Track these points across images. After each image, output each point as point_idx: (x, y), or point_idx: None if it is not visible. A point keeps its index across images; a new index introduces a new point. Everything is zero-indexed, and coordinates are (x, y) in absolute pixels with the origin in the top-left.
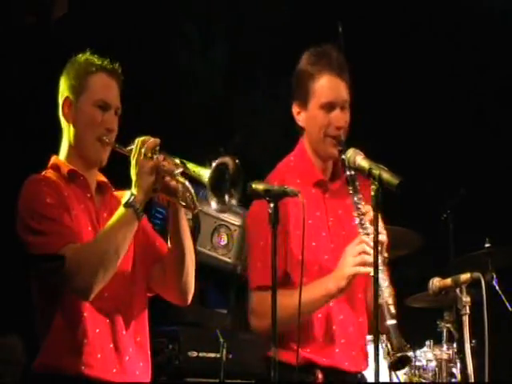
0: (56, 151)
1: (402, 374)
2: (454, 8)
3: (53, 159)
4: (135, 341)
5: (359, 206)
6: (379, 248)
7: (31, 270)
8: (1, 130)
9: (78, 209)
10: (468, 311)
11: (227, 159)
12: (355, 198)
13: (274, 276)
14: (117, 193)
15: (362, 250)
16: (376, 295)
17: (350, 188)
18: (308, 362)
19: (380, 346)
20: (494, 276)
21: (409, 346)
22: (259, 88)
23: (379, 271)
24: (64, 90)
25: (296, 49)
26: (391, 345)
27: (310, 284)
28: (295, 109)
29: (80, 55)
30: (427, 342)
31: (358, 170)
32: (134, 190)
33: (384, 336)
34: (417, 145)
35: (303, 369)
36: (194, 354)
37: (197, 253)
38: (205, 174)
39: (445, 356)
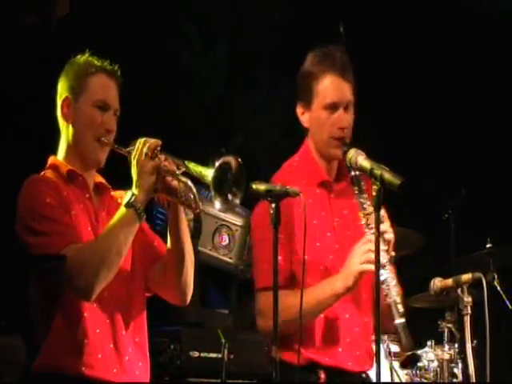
0: (54, 151)
1: (403, 374)
2: (453, 8)
3: (51, 159)
4: (134, 341)
5: (365, 205)
6: (386, 247)
7: (31, 270)
8: (1, 131)
9: (78, 209)
10: (469, 311)
11: (230, 159)
12: (361, 198)
13: (275, 276)
14: (114, 193)
15: (369, 249)
16: (378, 294)
17: (356, 188)
18: (311, 362)
19: (381, 347)
20: (496, 276)
21: (418, 344)
22: (260, 88)
23: (386, 270)
24: (63, 90)
25: (296, 48)
26: (400, 344)
27: (317, 284)
28: (299, 109)
29: (79, 56)
30: (428, 342)
31: (360, 170)
32: (134, 189)
33: (385, 336)
34: (418, 145)
35: (306, 369)
36: (196, 354)
37: (198, 253)
38: (208, 173)
39: (446, 356)
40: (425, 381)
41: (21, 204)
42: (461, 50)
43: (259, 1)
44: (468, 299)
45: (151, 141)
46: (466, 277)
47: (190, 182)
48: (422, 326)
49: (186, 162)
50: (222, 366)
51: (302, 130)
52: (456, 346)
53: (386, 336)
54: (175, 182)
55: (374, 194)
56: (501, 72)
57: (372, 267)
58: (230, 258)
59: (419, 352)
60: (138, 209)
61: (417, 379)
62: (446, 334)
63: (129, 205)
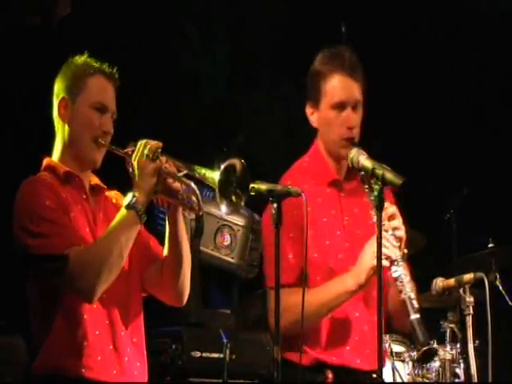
0: (48, 152)
1: (405, 375)
2: (454, 8)
3: (46, 161)
4: (132, 341)
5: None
6: (399, 244)
7: (30, 271)
8: (1, 131)
9: (76, 210)
10: (471, 311)
11: (235, 161)
12: (371, 197)
13: (276, 276)
14: (109, 193)
15: (383, 245)
16: (380, 294)
17: (366, 186)
18: (318, 361)
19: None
20: (498, 276)
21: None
22: (260, 88)
23: (400, 266)
24: (60, 90)
25: (297, 49)
26: (417, 339)
27: (329, 282)
28: (308, 109)
29: (77, 57)
30: (430, 342)
31: (362, 170)
32: (135, 191)
33: (387, 336)
34: (419, 145)
35: (313, 369)
36: (198, 354)
37: (199, 253)
38: (213, 176)
39: (448, 356)
40: (427, 381)
41: (19, 206)
42: (461, 50)
43: (259, 1)
44: (470, 299)
45: (152, 142)
46: (468, 277)
47: (193, 184)
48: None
49: (189, 164)
50: (224, 366)
51: (303, 130)
52: (458, 345)
53: (387, 336)
54: (176, 184)
55: (375, 193)
56: (501, 72)
57: (385, 262)
58: (232, 258)
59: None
60: (139, 210)
61: (419, 379)
62: (448, 334)
63: (129, 206)
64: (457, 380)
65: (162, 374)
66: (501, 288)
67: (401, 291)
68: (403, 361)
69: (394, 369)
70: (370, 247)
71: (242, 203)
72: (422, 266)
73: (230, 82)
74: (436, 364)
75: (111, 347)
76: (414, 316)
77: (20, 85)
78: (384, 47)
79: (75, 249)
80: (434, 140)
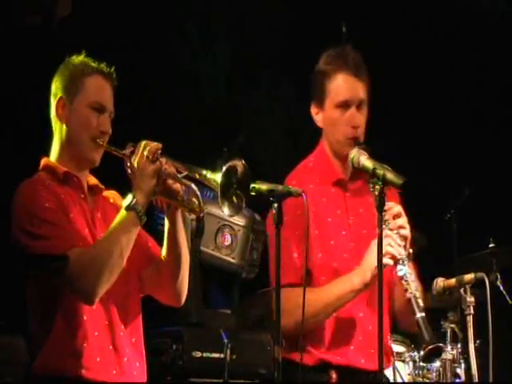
0: (46, 152)
1: (406, 375)
2: (453, 8)
3: (44, 161)
4: (131, 341)
5: None
6: (404, 243)
7: (30, 271)
8: (1, 131)
9: (75, 211)
10: (472, 311)
11: (237, 163)
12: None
13: (277, 277)
14: (106, 193)
15: (387, 243)
16: (380, 294)
17: (371, 186)
18: (322, 361)
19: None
20: (498, 276)
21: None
22: (261, 88)
23: (405, 265)
24: (58, 90)
25: (297, 49)
26: (422, 337)
27: (334, 281)
28: (313, 109)
29: (74, 56)
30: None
31: (362, 170)
32: (135, 192)
33: (388, 336)
34: (419, 145)
35: (317, 369)
36: (198, 354)
37: (200, 253)
38: (214, 177)
39: (449, 356)
40: (427, 381)
41: (18, 208)
42: (461, 50)
43: (259, 1)
44: (471, 299)
45: (152, 144)
46: (469, 277)
47: (193, 186)
48: None
49: (189, 166)
50: (225, 366)
51: (303, 130)
52: (459, 346)
53: (388, 336)
54: (176, 185)
55: (376, 193)
56: (501, 72)
57: (390, 262)
58: (233, 258)
59: (421, 353)
60: (139, 212)
61: (419, 379)
62: (448, 334)
63: (129, 208)
64: (458, 380)
65: (162, 374)
66: (502, 288)
67: (406, 290)
68: (404, 361)
69: (394, 369)
70: (376, 246)
71: (243, 204)
72: (422, 266)
73: (230, 82)
74: (437, 364)
75: (111, 347)
76: (420, 315)
77: (20, 85)
78: (384, 47)
79: (75, 250)
80: (434, 140)
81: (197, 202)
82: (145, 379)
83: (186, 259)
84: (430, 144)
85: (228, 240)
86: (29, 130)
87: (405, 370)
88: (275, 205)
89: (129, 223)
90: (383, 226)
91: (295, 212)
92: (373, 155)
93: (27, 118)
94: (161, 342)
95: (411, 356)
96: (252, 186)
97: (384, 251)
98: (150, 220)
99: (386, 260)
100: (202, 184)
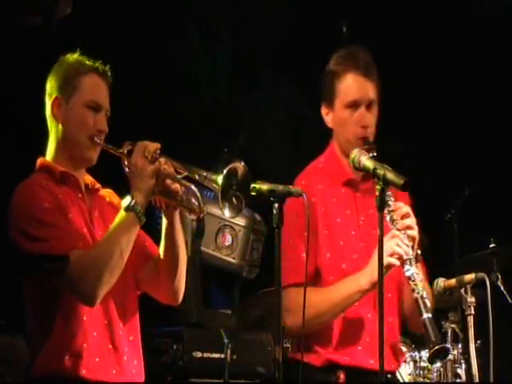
0: (42, 152)
1: (406, 375)
2: (454, 8)
3: (40, 161)
4: (129, 340)
5: (390, 202)
6: (411, 243)
7: (30, 271)
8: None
9: (73, 211)
10: (473, 311)
11: (237, 165)
12: (385, 196)
13: (277, 277)
14: (102, 191)
15: (395, 244)
16: (381, 292)
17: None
18: (330, 362)
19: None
20: (499, 276)
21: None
22: (262, 88)
23: (412, 266)
24: (53, 90)
25: (297, 49)
26: (428, 338)
27: (341, 280)
28: (323, 110)
29: (69, 55)
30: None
31: (363, 170)
32: (134, 193)
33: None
34: (420, 145)
35: (325, 369)
36: (199, 354)
37: (200, 253)
38: (214, 179)
39: (450, 356)
40: (428, 381)
41: (16, 209)
42: (461, 50)
43: (259, 1)
44: (471, 299)
45: (151, 144)
46: (470, 277)
47: (193, 187)
48: None
49: (189, 166)
50: (225, 367)
51: (303, 130)
52: (459, 346)
53: (398, 337)
54: (175, 186)
55: (376, 193)
56: (501, 72)
57: (396, 262)
58: (233, 259)
59: (422, 353)
60: (139, 212)
61: (420, 379)
62: (449, 335)
63: (129, 208)
64: (458, 380)
65: (162, 374)
66: (502, 288)
67: (413, 290)
68: (404, 361)
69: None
70: (384, 245)
71: (243, 206)
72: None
73: (230, 82)
74: (438, 364)
75: (110, 347)
76: (426, 315)
77: (20, 85)
78: (384, 47)
79: (75, 252)
80: (434, 140)
81: (197, 203)
82: (143, 377)
83: (184, 258)
84: (430, 144)
85: (228, 240)
86: (29, 130)
87: (405, 370)
88: (275, 205)
89: (128, 224)
90: (391, 226)
91: (303, 212)
92: (381, 155)
93: (27, 119)
94: (161, 342)
95: (412, 356)
96: (252, 186)
97: (391, 251)
98: (150, 219)
99: (393, 260)
100: (202, 185)
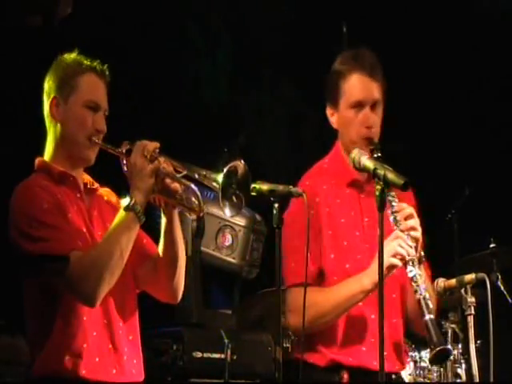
0: (40, 153)
1: (406, 375)
2: (454, 8)
3: (39, 161)
4: (128, 339)
5: (393, 203)
6: (414, 244)
7: (30, 272)
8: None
9: (73, 211)
10: (473, 312)
11: (238, 163)
12: (389, 196)
13: (278, 277)
14: (100, 191)
15: (398, 244)
16: (381, 292)
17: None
18: (334, 362)
19: None
20: (499, 276)
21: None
22: (262, 88)
23: (415, 267)
24: (51, 89)
25: (298, 49)
26: (430, 339)
27: (344, 281)
28: (329, 111)
29: (66, 55)
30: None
31: (363, 170)
32: (133, 192)
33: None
34: (420, 145)
35: (329, 369)
36: (199, 354)
37: (200, 253)
38: (214, 178)
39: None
40: (428, 381)
41: (16, 210)
42: (461, 50)
43: (259, 1)
44: (471, 299)
45: (149, 143)
46: (470, 277)
47: (193, 186)
48: None
49: (189, 165)
50: (225, 367)
51: (304, 130)
52: (459, 346)
53: (403, 338)
54: (175, 185)
55: (377, 193)
56: (501, 72)
57: (399, 262)
58: (233, 259)
59: (422, 353)
60: (138, 212)
61: (420, 379)
62: (449, 335)
63: (128, 208)
64: (458, 380)
65: (163, 374)
66: (502, 288)
67: (416, 291)
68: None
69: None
70: (387, 246)
71: (243, 205)
72: None
73: (231, 83)
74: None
75: (110, 346)
76: (428, 316)
77: (20, 85)
78: (384, 47)
79: (76, 253)
80: (434, 140)
81: (196, 202)
82: (142, 377)
83: (183, 256)
84: (430, 144)
85: (228, 240)
86: (30, 130)
87: (405, 371)
88: (276, 205)
89: (128, 224)
90: (394, 227)
91: (306, 212)
92: (385, 156)
93: (28, 119)
94: (161, 342)
95: (412, 356)
96: (253, 186)
97: (394, 252)
98: (150, 218)
99: (395, 261)
100: (202, 184)
